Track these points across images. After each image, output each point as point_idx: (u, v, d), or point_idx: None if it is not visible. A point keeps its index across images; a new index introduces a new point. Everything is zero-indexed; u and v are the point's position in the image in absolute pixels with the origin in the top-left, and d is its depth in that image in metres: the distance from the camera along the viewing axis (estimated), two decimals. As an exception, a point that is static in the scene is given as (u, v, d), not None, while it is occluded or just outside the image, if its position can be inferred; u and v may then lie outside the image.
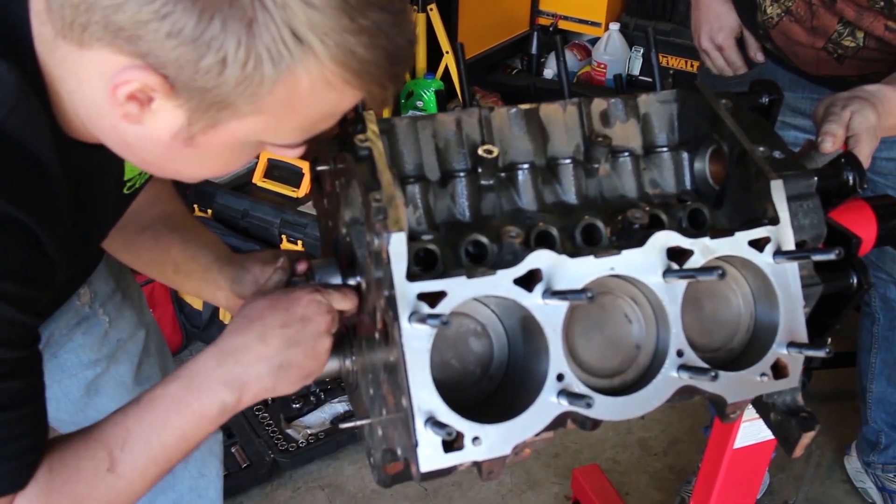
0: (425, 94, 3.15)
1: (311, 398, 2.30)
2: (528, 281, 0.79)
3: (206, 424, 0.84)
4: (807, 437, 0.96)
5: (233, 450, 2.18)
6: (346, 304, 0.88)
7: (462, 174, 0.92)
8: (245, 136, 0.71)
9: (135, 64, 0.65)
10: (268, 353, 0.83)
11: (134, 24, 0.63)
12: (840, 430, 2.26)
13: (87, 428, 0.84)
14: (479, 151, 0.90)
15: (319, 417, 2.28)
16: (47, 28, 0.69)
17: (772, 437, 1.19)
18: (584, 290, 0.76)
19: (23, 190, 0.72)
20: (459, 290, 0.76)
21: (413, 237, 0.84)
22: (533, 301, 0.79)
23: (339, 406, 2.30)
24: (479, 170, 0.92)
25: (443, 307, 0.75)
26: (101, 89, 0.68)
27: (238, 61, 0.63)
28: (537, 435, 0.79)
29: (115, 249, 1.12)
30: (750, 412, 1.05)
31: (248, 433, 2.21)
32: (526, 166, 0.95)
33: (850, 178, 1.01)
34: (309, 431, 2.22)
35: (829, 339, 1.04)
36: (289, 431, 2.22)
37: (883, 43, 1.38)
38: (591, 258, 0.81)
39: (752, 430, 1.29)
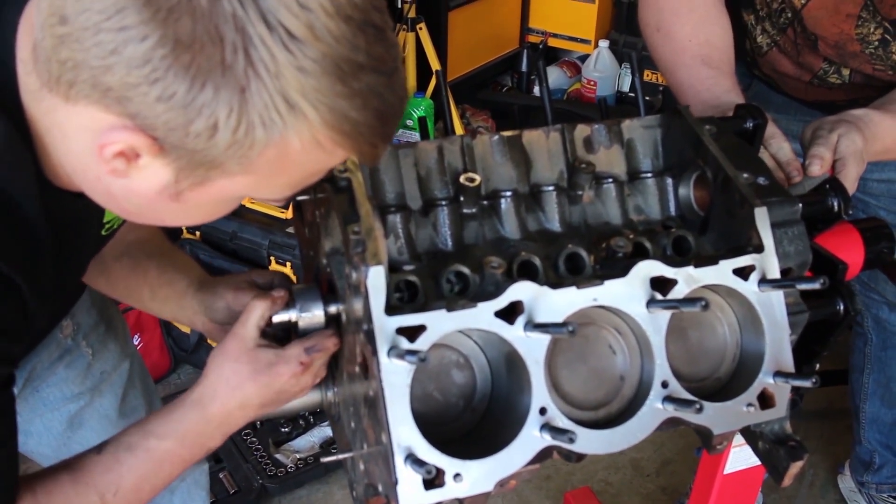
0: (415, 112, 3.15)
1: (300, 422, 2.27)
2: (510, 313, 0.78)
3: (191, 466, 0.91)
4: (795, 467, 0.95)
5: (221, 476, 2.15)
6: (329, 351, 0.89)
7: (444, 203, 0.91)
8: (232, 192, 0.71)
9: (123, 124, 0.63)
10: (247, 415, 0.89)
11: (123, 86, 0.61)
12: (833, 448, 2.25)
13: (75, 468, 0.85)
14: (462, 179, 0.89)
15: (308, 441, 2.25)
16: (33, 78, 0.68)
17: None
18: (565, 324, 0.74)
19: (9, 243, 0.71)
20: (439, 324, 0.75)
21: (394, 267, 0.83)
22: (515, 334, 0.77)
23: (328, 430, 2.28)
24: (462, 198, 0.91)
25: (422, 341, 0.74)
26: (88, 144, 0.67)
27: (229, 127, 0.62)
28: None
29: (90, 277, 1.10)
30: (740, 437, 1.04)
31: (236, 458, 2.18)
32: (509, 194, 0.94)
33: (835, 203, 1.00)
34: (298, 456, 2.20)
35: (817, 366, 1.03)
36: (277, 456, 2.20)
37: (871, 78, 1.38)
38: (573, 289, 0.80)
39: (743, 456, 1.28)
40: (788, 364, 0.88)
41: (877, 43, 1.30)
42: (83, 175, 0.72)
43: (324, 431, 2.28)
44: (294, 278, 2.31)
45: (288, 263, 2.33)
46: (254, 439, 2.23)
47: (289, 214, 2.42)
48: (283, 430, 2.25)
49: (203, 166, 0.66)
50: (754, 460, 1.27)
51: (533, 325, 0.77)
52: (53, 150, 0.73)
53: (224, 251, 2.39)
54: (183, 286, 1.05)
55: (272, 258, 2.35)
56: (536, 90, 3.77)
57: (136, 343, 2.35)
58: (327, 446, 2.23)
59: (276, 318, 0.87)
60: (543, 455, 0.79)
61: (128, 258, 1.09)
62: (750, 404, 0.86)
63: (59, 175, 0.76)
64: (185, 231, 2.44)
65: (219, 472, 2.16)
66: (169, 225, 0.79)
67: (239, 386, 0.87)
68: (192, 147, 0.64)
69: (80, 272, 0.99)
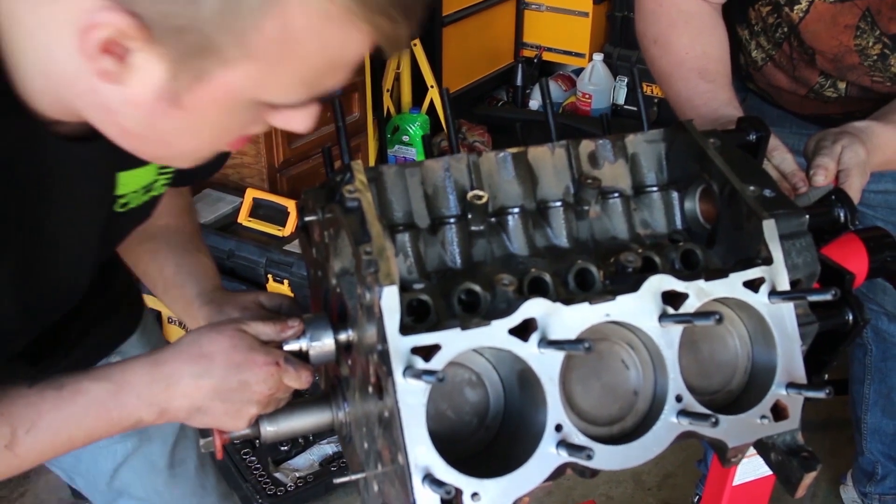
0: (411, 128, 3.16)
1: (300, 440, 2.26)
2: (523, 331, 0.77)
3: (116, 431, 0.84)
4: (808, 478, 0.95)
5: (221, 496, 2.13)
6: (296, 384, 0.86)
7: (452, 221, 0.91)
8: (237, 91, 0.64)
9: (104, 5, 0.59)
10: (194, 394, 0.82)
11: None
12: (835, 459, 2.25)
13: None
14: (469, 197, 0.89)
15: (308, 460, 2.24)
16: None
17: (772, 472, 1.17)
18: (580, 341, 0.74)
19: None
20: (454, 343, 0.74)
21: (404, 287, 0.82)
22: (529, 351, 0.77)
23: (327, 448, 2.27)
24: (469, 216, 0.91)
25: (437, 360, 0.74)
26: (73, 42, 0.61)
27: None
28: (536, 486, 0.77)
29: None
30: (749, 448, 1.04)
31: (235, 478, 2.17)
32: (516, 210, 0.94)
33: (842, 214, 1.01)
34: (297, 475, 2.18)
35: (826, 376, 1.03)
36: (277, 475, 2.18)
37: (867, 90, 1.39)
38: (586, 305, 0.80)
39: (752, 467, 1.27)
40: (801, 375, 0.88)
41: (876, 57, 1.31)
42: (75, 88, 0.66)
43: (323, 450, 2.26)
44: (292, 296, 2.31)
45: (285, 281, 2.32)
46: (253, 458, 2.22)
47: (286, 232, 2.42)
48: (282, 448, 2.24)
49: (196, 51, 0.60)
50: (763, 471, 1.27)
51: (547, 343, 0.76)
52: (39, 65, 0.66)
53: (221, 270, 2.37)
54: (192, 294, 1.02)
55: (269, 276, 2.34)
56: (532, 104, 3.79)
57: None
58: (327, 464, 2.22)
59: (287, 347, 0.86)
60: (558, 472, 0.79)
61: (152, 244, 1.06)
62: (764, 416, 0.86)
63: (44, 103, 0.68)
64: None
65: (218, 492, 2.14)
66: (178, 155, 0.72)
67: (209, 355, 0.82)
68: (178, 23, 0.58)
69: (82, 251, 0.88)
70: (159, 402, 0.82)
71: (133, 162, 0.83)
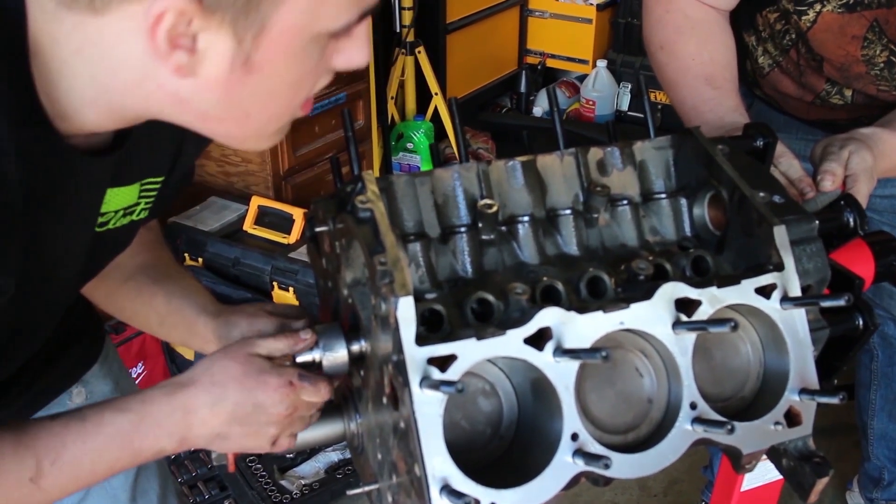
0: (415, 135, 3.16)
1: (306, 448, 2.26)
2: (538, 339, 0.77)
3: (139, 461, 0.85)
4: (821, 483, 0.95)
5: (226, 503, 2.13)
6: (316, 398, 0.87)
7: (462, 230, 0.91)
8: (296, 30, 0.65)
9: None
10: (212, 422, 0.84)
11: None
12: (841, 465, 2.24)
13: (20, 429, 0.80)
14: (479, 206, 0.89)
15: (314, 467, 2.24)
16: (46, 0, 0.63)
17: (779, 477, 1.17)
18: (598, 350, 0.74)
19: None
20: (470, 353, 0.74)
21: (417, 297, 0.82)
22: (544, 360, 0.77)
23: (333, 455, 2.27)
24: (480, 225, 0.91)
25: (453, 371, 0.74)
26: (138, 46, 0.63)
27: None
28: (551, 495, 0.77)
29: (98, 299, 1.08)
30: (756, 454, 1.04)
31: (240, 485, 2.17)
32: (526, 219, 0.94)
33: (851, 219, 1.01)
34: (303, 482, 2.18)
35: (835, 381, 1.03)
36: (283, 482, 2.18)
37: (873, 98, 1.39)
38: (600, 313, 0.80)
39: (760, 472, 1.27)
40: (813, 381, 0.88)
41: (882, 65, 1.31)
42: (142, 89, 0.67)
43: (329, 457, 2.26)
44: (297, 303, 2.31)
45: (291, 289, 2.32)
46: (258, 465, 2.22)
47: (291, 240, 2.42)
48: (287, 455, 2.24)
49: (250, 3, 0.61)
50: (770, 476, 1.27)
51: (563, 351, 0.76)
52: (89, 77, 0.67)
53: (227, 277, 2.39)
54: (193, 313, 1.03)
55: (275, 283, 2.34)
56: (535, 110, 3.80)
57: (139, 370, 2.33)
58: (333, 472, 2.21)
59: (300, 359, 0.87)
60: (574, 481, 0.79)
61: (133, 282, 1.06)
62: (777, 422, 0.86)
63: (89, 112, 0.69)
64: (187, 258, 2.44)
65: (224, 499, 2.14)
66: (255, 124, 0.72)
67: (221, 383, 0.84)
68: None
69: (65, 264, 0.87)
70: (179, 430, 0.84)
71: (122, 179, 0.84)
